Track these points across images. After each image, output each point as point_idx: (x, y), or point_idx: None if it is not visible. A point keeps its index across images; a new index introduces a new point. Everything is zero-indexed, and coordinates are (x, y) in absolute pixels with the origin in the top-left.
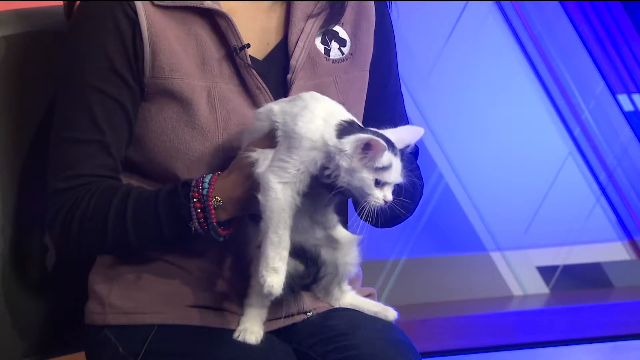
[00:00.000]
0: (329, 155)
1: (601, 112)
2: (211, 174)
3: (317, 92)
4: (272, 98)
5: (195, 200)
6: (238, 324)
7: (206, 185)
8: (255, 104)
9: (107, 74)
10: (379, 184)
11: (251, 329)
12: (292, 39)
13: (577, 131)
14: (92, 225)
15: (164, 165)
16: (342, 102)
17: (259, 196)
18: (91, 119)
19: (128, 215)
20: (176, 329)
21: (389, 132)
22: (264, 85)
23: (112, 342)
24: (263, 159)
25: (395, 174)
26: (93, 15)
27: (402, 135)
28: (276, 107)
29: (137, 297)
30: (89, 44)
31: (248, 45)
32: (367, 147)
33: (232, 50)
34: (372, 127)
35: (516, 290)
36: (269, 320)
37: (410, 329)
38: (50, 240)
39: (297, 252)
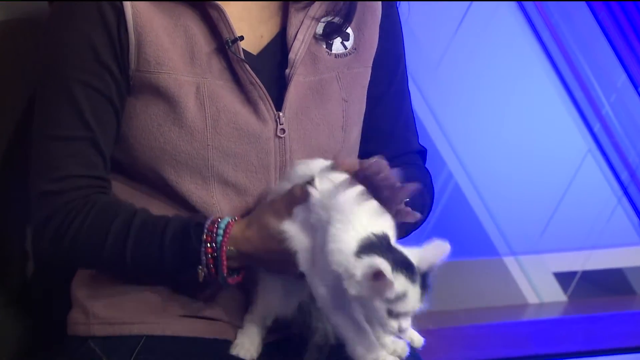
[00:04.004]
0: (340, 275)
1: (623, 107)
2: (227, 219)
3: (319, 88)
4: (267, 94)
5: (207, 245)
6: (235, 337)
7: (221, 232)
8: (249, 100)
9: (92, 66)
10: (392, 314)
11: (248, 347)
12: (291, 31)
13: (597, 127)
14: (87, 244)
15: (149, 166)
16: (345, 100)
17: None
18: (77, 115)
19: (128, 245)
20: (165, 340)
21: (413, 252)
22: (257, 81)
23: (97, 354)
24: (299, 242)
25: (413, 303)
26: (77, 4)
27: (427, 254)
28: (316, 195)
29: (123, 306)
30: (72, 35)
31: (241, 38)
32: (377, 276)
33: (223, 43)
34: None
35: (531, 298)
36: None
37: None
38: (33, 245)
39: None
